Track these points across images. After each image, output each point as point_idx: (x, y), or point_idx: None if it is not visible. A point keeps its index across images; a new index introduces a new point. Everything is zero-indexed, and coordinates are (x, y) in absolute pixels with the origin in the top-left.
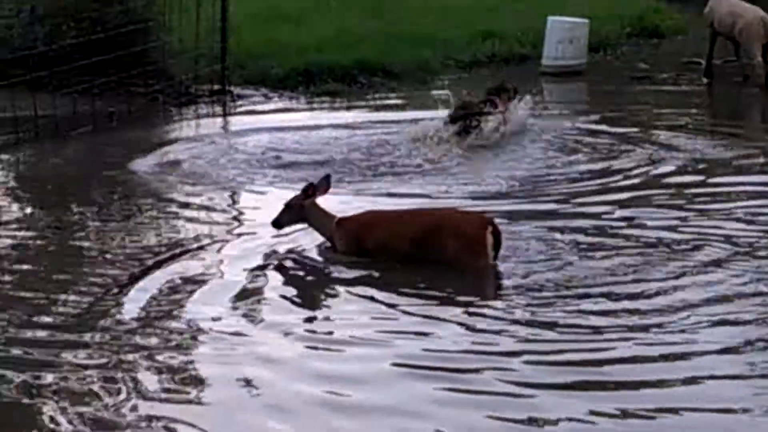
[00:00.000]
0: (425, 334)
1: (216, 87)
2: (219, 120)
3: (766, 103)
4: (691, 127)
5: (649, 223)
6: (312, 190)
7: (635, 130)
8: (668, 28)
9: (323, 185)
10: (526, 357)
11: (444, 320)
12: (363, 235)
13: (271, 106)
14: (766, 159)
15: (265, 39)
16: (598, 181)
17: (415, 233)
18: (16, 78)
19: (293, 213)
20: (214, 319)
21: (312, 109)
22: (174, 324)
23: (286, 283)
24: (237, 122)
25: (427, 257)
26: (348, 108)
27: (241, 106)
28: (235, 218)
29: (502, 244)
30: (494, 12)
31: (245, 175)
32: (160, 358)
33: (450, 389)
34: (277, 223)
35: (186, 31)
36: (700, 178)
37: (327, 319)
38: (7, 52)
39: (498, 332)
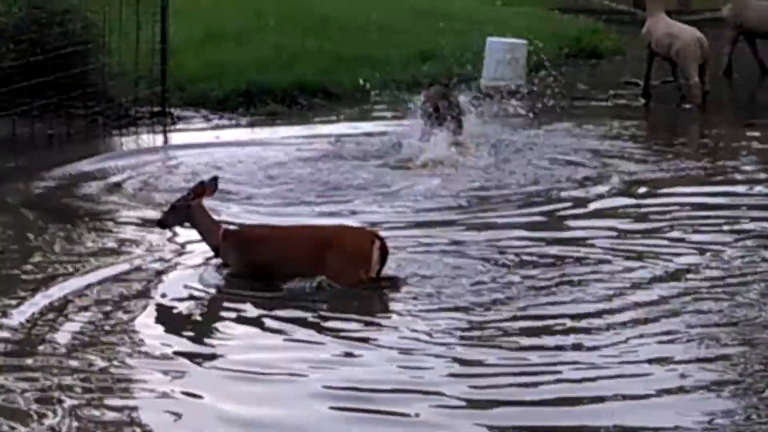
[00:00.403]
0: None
1: (156, 109)
2: (159, 142)
3: (702, 122)
4: (628, 147)
5: (590, 242)
6: (201, 190)
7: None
8: (606, 49)
9: (211, 187)
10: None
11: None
12: (251, 249)
13: (211, 126)
14: (701, 176)
15: (205, 60)
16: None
17: (305, 249)
18: None
19: (180, 214)
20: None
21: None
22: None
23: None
24: (176, 143)
25: (313, 274)
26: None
27: (181, 128)
28: (170, 240)
29: (387, 259)
30: (434, 33)
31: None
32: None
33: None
34: (163, 223)
35: (126, 53)
36: (638, 196)
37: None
38: None
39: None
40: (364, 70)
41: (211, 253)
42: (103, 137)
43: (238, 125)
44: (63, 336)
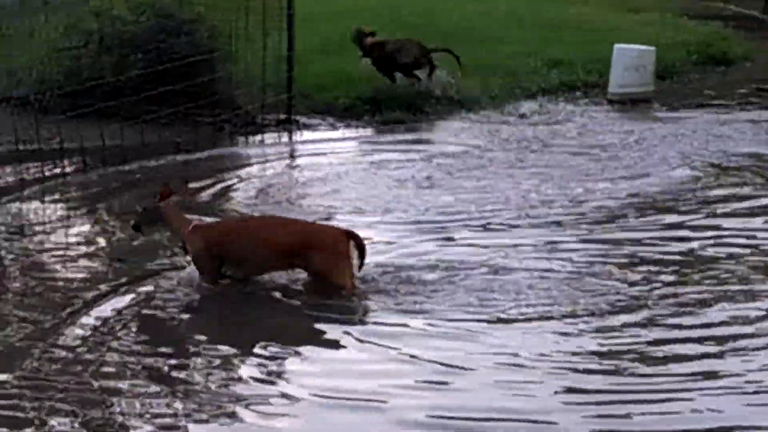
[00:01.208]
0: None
1: (282, 116)
2: (285, 149)
3: None
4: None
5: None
6: (167, 192)
7: None
8: (735, 55)
9: (183, 188)
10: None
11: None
12: (222, 243)
13: (337, 134)
14: None
15: (331, 67)
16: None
17: (282, 244)
18: (84, 109)
19: (151, 216)
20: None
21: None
22: None
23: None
24: (302, 151)
25: (286, 269)
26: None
27: (307, 135)
28: None
29: (365, 257)
30: (562, 41)
31: (308, 200)
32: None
33: None
34: (136, 227)
35: (252, 60)
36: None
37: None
38: (75, 83)
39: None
40: (491, 78)
41: None
42: (230, 145)
43: (363, 133)
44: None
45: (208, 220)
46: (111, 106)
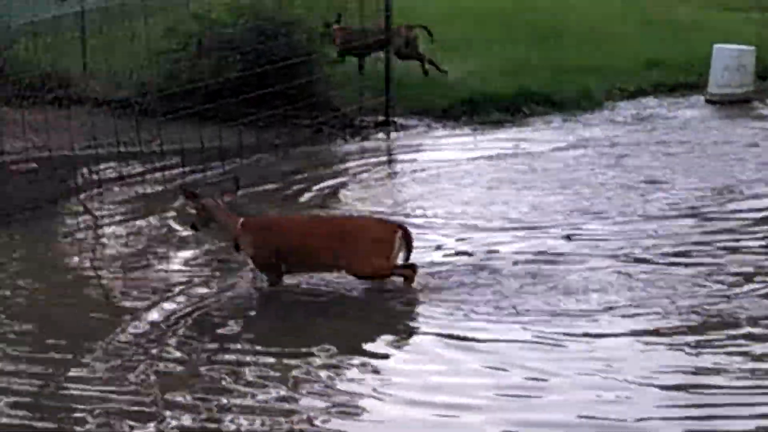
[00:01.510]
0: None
1: (380, 118)
2: (383, 150)
3: None
4: None
5: None
6: (190, 194)
7: None
8: None
9: (231, 188)
10: None
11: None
12: (270, 237)
13: (435, 135)
14: None
15: (428, 69)
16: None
17: (328, 237)
18: (184, 111)
19: (201, 215)
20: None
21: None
22: None
23: None
24: (400, 152)
25: (334, 264)
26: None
27: (404, 136)
28: None
29: (412, 250)
30: (660, 40)
31: (406, 201)
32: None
33: None
34: (193, 226)
35: (350, 63)
36: None
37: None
38: (175, 86)
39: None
40: (589, 78)
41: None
42: (328, 146)
43: (460, 134)
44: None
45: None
46: (210, 108)
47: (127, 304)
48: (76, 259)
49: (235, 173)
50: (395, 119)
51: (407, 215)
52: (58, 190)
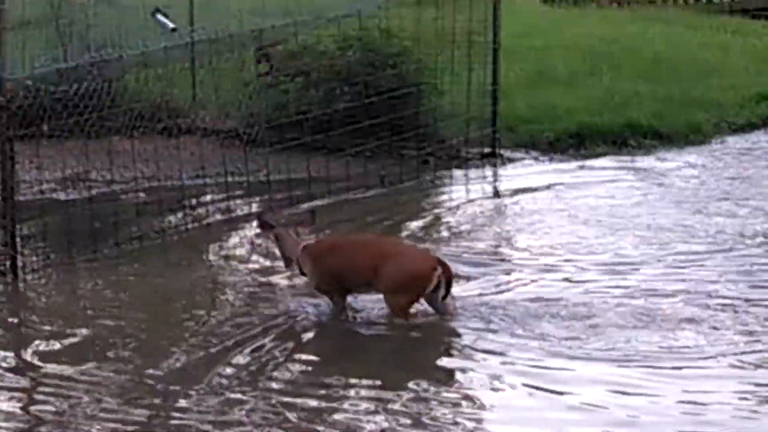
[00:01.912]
0: None
1: (486, 150)
2: (488, 183)
3: None
4: None
5: None
6: (265, 224)
7: None
8: None
9: (308, 220)
10: None
11: None
12: (322, 259)
13: (541, 169)
14: None
15: (535, 102)
16: None
17: (371, 261)
18: (291, 141)
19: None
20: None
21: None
22: None
23: None
24: (506, 185)
25: (374, 287)
26: None
27: (510, 169)
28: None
29: (452, 284)
30: None
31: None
32: None
33: None
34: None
35: (457, 94)
36: None
37: None
38: (283, 116)
39: None
40: (697, 112)
41: None
42: (434, 178)
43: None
44: None
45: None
46: (317, 138)
47: (234, 336)
48: (184, 290)
49: (312, 208)
50: (501, 152)
51: (509, 248)
52: (166, 221)
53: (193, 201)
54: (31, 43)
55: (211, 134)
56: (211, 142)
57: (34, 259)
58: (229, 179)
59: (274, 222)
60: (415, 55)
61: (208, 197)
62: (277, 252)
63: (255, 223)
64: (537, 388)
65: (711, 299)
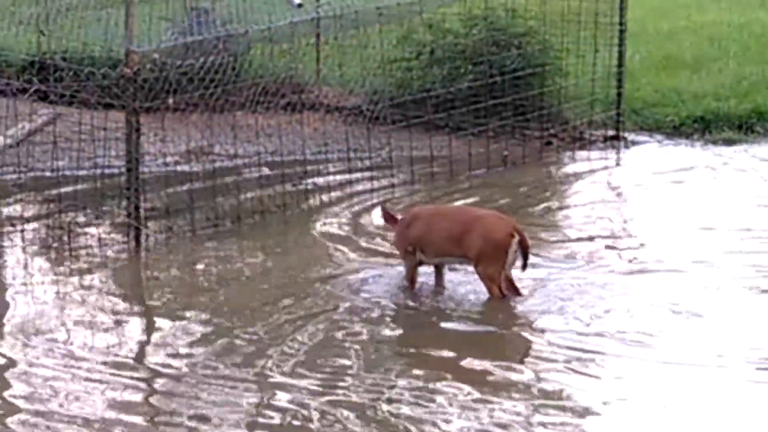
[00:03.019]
0: None
1: (610, 133)
2: (612, 166)
3: None
4: None
5: None
6: (388, 215)
7: None
8: None
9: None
10: None
11: None
12: (409, 228)
13: (665, 153)
14: None
15: (660, 85)
16: None
17: (451, 230)
18: (414, 119)
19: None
20: None
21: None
22: None
23: None
24: (628, 169)
25: (456, 257)
26: None
27: (634, 152)
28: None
29: (529, 254)
30: None
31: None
32: None
33: None
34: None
35: (582, 75)
36: None
37: None
38: (406, 94)
39: None
40: None
41: None
42: (557, 160)
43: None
44: None
45: None
46: (440, 117)
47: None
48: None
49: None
50: (625, 134)
51: (629, 235)
52: (288, 196)
53: (316, 177)
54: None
55: (335, 110)
56: (334, 119)
57: (157, 231)
58: (352, 156)
59: (395, 213)
60: (540, 36)
61: (330, 173)
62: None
63: (379, 214)
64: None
65: None
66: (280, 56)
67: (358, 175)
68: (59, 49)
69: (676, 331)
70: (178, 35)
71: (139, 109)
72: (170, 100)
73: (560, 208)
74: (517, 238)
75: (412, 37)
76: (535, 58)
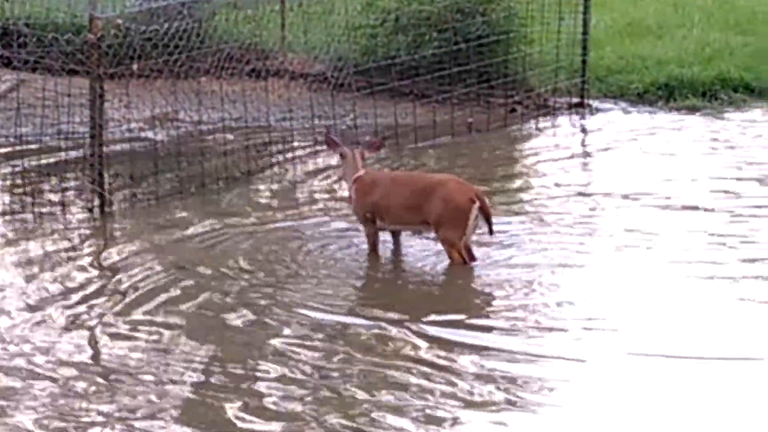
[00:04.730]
0: None
1: (575, 100)
2: (577, 134)
3: None
4: None
5: None
6: (331, 141)
7: None
8: None
9: (377, 141)
10: None
11: None
12: (368, 193)
13: (629, 120)
14: None
15: (625, 52)
16: None
17: (411, 196)
18: (379, 86)
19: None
20: None
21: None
22: None
23: None
24: (595, 136)
25: (416, 223)
26: None
27: (598, 119)
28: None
29: (491, 219)
30: None
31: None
32: None
33: None
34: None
35: (546, 42)
36: None
37: None
38: (371, 61)
39: None
40: None
41: None
42: (521, 127)
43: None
44: None
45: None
46: (405, 84)
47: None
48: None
49: (384, 134)
50: (590, 102)
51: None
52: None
53: (280, 143)
54: None
55: (299, 77)
56: (298, 86)
57: (121, 197)
58: (316, 122)
59: (340, 141)
60: (505, 2)
61: (295, 140)
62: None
63: (323, 138)
64: None
65: None
66: (245, 22)
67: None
68: (23, 15)
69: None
70: (142, 1)
71: (103, 75)
72: (134, 66)
73: (524, 175)
74: (477, 203)
75: (377, 4)
76: (500, 25)
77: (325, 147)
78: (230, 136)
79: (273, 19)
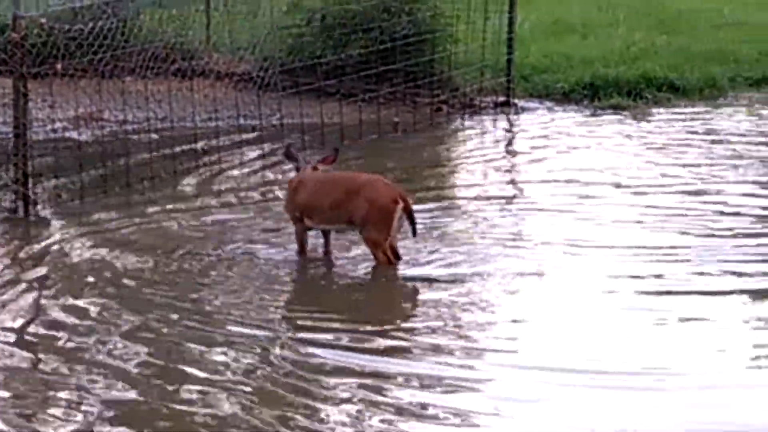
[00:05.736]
0: None
1: (500, 99)
2: (502, 133)
3: None
4: None
5: None
6: (290, 155)
7: None
8: None
9: (331, 155)
10: None
11: None
12: (295, 193)
13: (555, 119)
14: None
15: (550, 51)
16: None
17: (337, 196)
18: (305, 86)
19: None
20: None
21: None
22: None
23: None
24: (521, 136)
25: (342, 222)
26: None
27: (524, 118)
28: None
29: (415, 221)
30: None
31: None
32: None
33: None
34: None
35: (472, 42)
36: None
37: None
38: (297, 61)
39: None
40: (713, 65)
41: None
42: (447, 126)
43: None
44: None
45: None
46: (331, 84)
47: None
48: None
49: (337, 146)
50: (515, 101)
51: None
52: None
53: (205, 143)
54: None
55: (225, 77)
56: (224, 85)
57: (45, 197)
58: (242, 122)
59: (297, 156)
60: (430, 2)
61: (221, 139)
62: None
63: (282, 152)
64: None
65: None
66: (170, 22)
67: (249, 141)
68: None
69: None
70: (66, 0)
71: (27, 75)
72: (58, 66)
73: (449, 174)
74: (401, 204)
75: (303, 4)
76: (426, 24)
77: (284, 159)
78: (155, 136)
79: (198, 18)
